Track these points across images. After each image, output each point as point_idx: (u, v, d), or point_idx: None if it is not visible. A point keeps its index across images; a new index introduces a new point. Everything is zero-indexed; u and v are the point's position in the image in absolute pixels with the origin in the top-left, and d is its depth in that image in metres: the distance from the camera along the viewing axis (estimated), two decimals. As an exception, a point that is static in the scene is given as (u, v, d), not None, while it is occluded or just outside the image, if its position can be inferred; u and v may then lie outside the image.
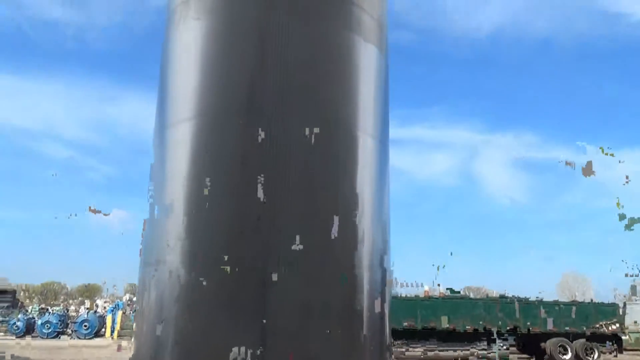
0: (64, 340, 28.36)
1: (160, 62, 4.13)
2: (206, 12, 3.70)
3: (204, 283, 3.49)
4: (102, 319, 32.10)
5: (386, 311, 4.09)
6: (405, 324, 24.20)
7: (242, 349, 3.24)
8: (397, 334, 23.41)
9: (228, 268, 3.42)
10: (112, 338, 29.14)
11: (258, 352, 3.25)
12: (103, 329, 31.24)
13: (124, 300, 44.26)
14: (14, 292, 57.22)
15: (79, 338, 28.90)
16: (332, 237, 3.64)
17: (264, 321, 3.31)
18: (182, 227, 3.59)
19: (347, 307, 3.69)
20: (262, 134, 3.50)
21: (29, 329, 30.04)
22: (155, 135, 4.05)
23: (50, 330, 29.53)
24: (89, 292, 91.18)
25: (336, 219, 3.66)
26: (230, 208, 3.54)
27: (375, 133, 4.14)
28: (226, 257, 3.43)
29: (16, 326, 30.03)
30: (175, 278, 3.57)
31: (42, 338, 28.73)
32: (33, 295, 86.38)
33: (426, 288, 28.93)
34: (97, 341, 28.04)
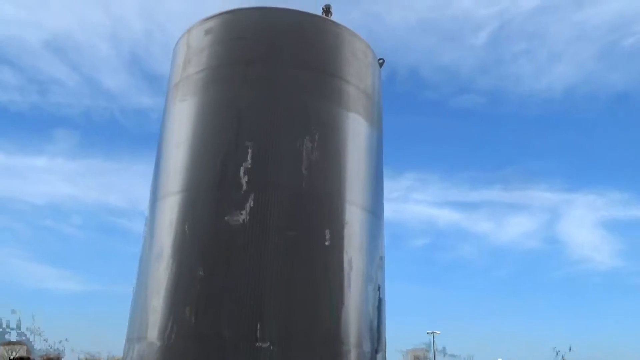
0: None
1: (158, 139, 4.35)
2: (190, 94, 3.90)
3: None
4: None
5: None
6: None
7: None
8: None
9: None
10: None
11: None
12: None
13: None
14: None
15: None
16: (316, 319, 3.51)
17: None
18: (161, 304, 3.59)
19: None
20: (237, 211, 3.52)
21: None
22: (148, 209, 4.17)
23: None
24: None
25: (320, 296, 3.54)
26: (208, 285, 3.50)
27: (365, 204, 4.02)
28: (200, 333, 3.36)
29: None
30: (154, 353, 3.53)
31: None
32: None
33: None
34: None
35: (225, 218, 3.53)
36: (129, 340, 3.82)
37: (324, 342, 3.52)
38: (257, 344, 3.28)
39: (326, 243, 3.66)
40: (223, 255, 3.49)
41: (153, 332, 3.55)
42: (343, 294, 3.66)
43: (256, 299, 3.32)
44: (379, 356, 3.89)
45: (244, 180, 3.61)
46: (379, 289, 4.02)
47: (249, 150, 3.65)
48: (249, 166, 3.61)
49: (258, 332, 3.26)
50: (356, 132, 4.04)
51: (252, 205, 3.57)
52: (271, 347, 3.29)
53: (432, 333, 50.61)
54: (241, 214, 3.55)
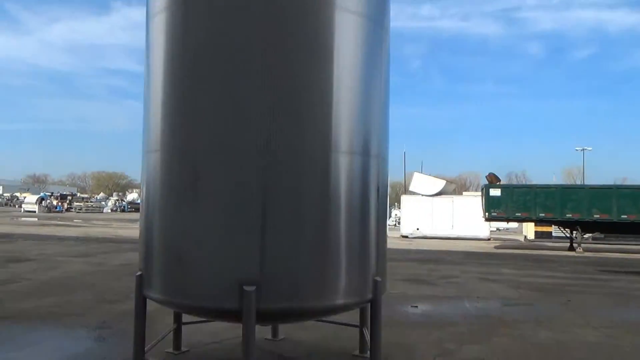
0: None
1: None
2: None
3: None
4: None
5: (370, 199, 4.13)
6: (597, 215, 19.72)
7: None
8: (588, 226, 20.39)
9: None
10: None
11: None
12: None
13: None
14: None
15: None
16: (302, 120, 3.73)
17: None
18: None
19: (320, 194, 3.79)
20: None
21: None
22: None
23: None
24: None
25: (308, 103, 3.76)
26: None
27: (364, 10, 4.09)
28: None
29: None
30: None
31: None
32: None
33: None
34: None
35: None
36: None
37: (311, 146, 3.77)
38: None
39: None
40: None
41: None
42: (332, 93, 3.87)
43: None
44: (373, 161, 4.16)
45: None
46: (379, 89, 4.26)
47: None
48: None
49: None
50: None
51: None
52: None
53: (583, 150, 50.80)
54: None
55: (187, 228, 3.80)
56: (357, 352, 5.23)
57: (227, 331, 5.76)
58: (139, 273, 4.18)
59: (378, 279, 4.15)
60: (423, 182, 29.13)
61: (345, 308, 4.16)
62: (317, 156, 3.85)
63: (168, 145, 3.92)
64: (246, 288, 3.57)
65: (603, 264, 15.68)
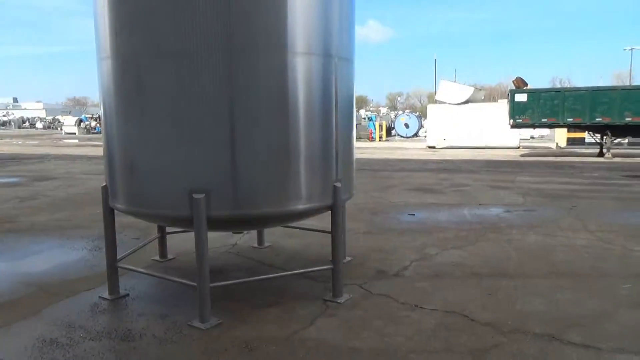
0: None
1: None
2: None
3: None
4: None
5: (331, 104, 4.02)
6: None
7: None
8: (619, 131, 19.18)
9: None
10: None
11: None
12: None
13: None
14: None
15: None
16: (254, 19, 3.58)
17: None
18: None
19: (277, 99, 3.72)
20: None
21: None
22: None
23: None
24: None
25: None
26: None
27: None
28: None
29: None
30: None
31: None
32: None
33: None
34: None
35: None
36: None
37: (265, 46, 3.66)
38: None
39: None
40: None
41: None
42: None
43: None
44: (335, 63, 4.03)
45: None
46: None
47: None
48: None
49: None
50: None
51: None
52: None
53: (631, 49, 48.20)
54: None
55: (137, 139, 3.81)
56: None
57: (218, 240, 5.98)
58: (104, 184, 4.29)
59: (338, 184, 4.11)
60: (450, 90, 28.09)
61: (304, 214, 4.19)
62: (271, 58, 3.69)
63: (116, 52, 3.81)
64: (195, 196, 3.61)
65: (629, 169, 15.12)
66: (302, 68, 3.85)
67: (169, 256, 5.53)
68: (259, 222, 4.27)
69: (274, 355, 3.24)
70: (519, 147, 26.65)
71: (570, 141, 26.35)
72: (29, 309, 4.06)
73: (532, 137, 36.29)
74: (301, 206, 3.97)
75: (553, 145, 27.33)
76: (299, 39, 3.81)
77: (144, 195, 3.88)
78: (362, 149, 24.47)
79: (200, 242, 3.67)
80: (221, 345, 3.40)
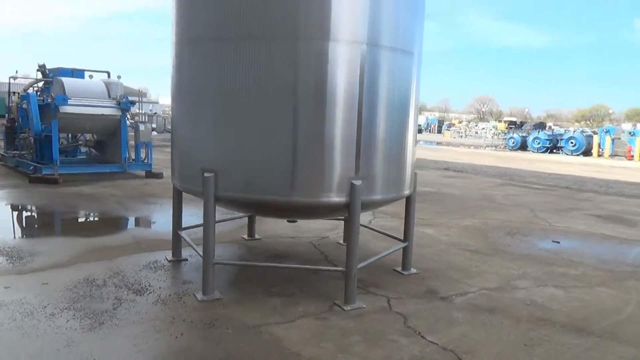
0: (549, 155, 31.51)
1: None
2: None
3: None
4: (589, 138, 33.74)
5: (352, 98, 3.74)
6: None
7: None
8: None
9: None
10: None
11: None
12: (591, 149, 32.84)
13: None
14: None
15: (566, 154, 31.95)
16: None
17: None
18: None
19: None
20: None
21: (523, 144, 35.49)
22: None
23: (539, 145, 34.29)
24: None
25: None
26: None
27: None
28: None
29: (512, 140, 36.18)
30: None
31: (532, 152, 33.14)
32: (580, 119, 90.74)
33: None
34: (581, 159, 28.67)
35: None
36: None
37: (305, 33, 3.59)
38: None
39: None
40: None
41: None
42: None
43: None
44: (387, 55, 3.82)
45: None
46: None
47: None
48: None
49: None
50: None
51: None
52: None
53: None
54: None
55: (180, 123, 4.31)
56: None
57: (312, 231, 6.14)
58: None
59: (357, 182, 3.78)
60: None
61: (326, 207, 3.95)
62: (311, 44, 3.65)
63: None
64: (206, 174, 3.85)
65: None
66: (343, 57, 3.72)
67: (256, 236, 5.92)
68: (270, 209, 4.15)
69: (224, 337, 3.24)
70: None
71: None
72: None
73: None
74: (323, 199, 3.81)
75: None
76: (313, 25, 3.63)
77: (182, 172, 4.33)
78: (611, 168, 21.03)
79: (208, 218, 3.89)
80: (196, 316, 3.56)
